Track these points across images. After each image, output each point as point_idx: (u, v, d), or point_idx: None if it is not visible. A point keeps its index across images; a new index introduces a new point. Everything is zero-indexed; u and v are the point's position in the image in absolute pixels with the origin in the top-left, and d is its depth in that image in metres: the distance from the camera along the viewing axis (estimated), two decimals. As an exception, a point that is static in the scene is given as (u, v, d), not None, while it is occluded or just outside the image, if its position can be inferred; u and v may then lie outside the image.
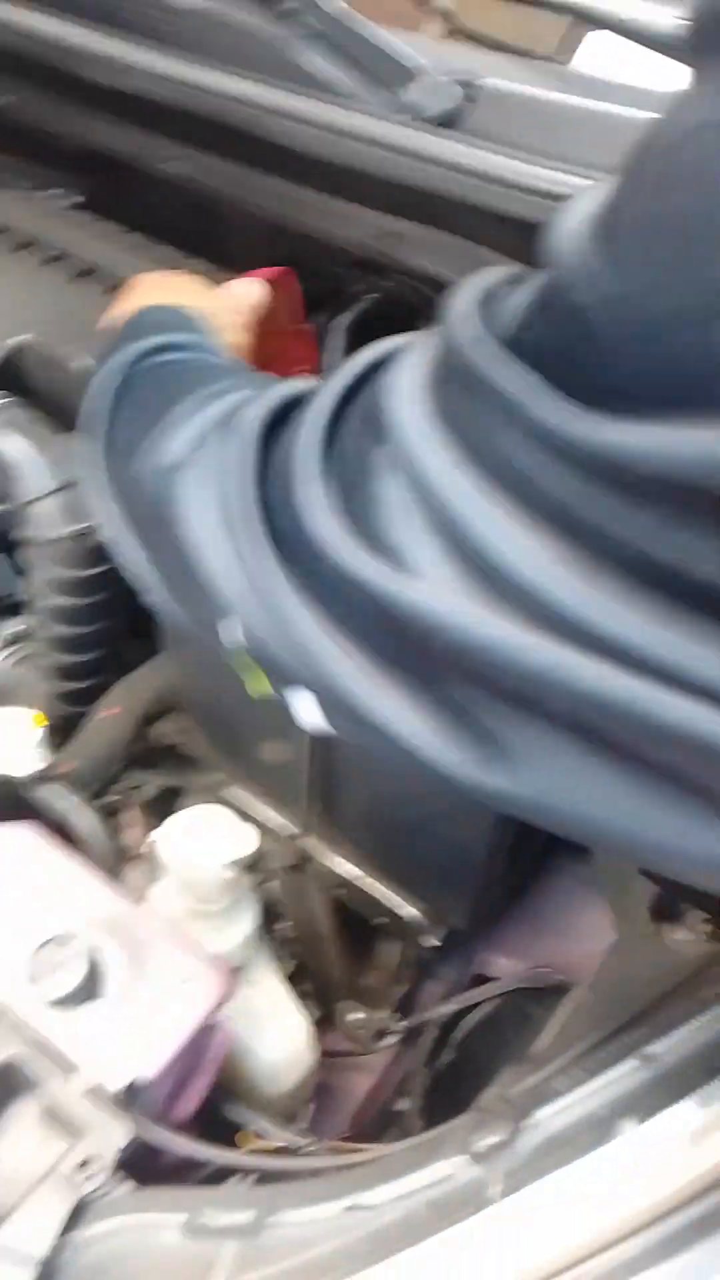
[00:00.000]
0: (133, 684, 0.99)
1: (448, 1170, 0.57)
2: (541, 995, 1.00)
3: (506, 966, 1.05)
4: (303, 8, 1.01)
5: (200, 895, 0.76)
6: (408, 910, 0.94)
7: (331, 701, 0.42)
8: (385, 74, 1.00)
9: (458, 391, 0.36)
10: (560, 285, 0.33)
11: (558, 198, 0.92)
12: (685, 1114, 0.55)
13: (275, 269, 0.89)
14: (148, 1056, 0.64)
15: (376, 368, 0.43)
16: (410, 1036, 1.01)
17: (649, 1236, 0.52)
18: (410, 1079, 1.01)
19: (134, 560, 0.55)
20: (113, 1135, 0.61)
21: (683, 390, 0.29)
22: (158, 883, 0.79)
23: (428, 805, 0.84)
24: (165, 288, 0.76)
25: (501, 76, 1.02)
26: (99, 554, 0.94)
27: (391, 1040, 1.00)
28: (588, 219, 0.33)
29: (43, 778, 0.79)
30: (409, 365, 0.40)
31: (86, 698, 1.04)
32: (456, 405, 0.36)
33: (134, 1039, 0.65)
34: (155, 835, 0.75)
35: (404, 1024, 1.00)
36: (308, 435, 0.42)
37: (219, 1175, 0.67)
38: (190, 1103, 0.69)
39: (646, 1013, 0.63)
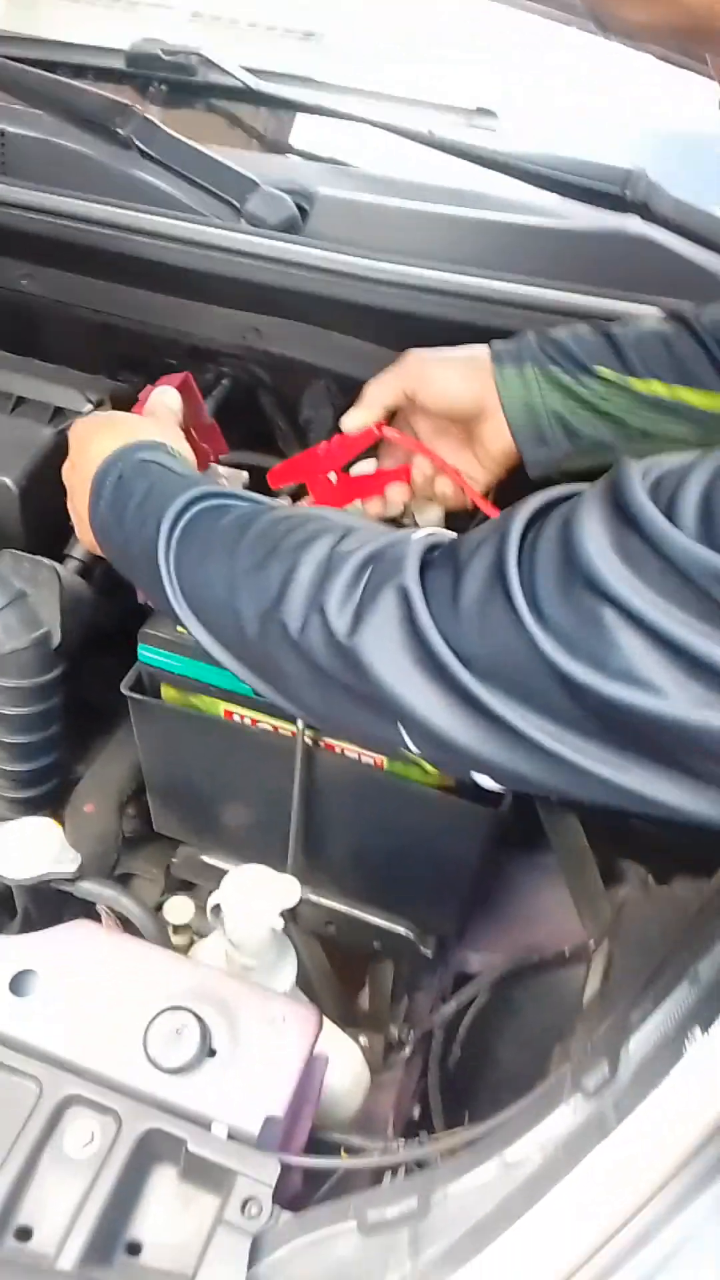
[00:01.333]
0: (98, 781, 1.03)
1: (568, 1112, 0.67)
2: (520, 979, 1.11)
3: (482, 961, 1.16)
4: (141, 134, 1.11)
5: (253, 950, 0.83)
6: (401, 929, 1.04)
7: (566, 781, 0.51)
8: (228, 190, 1.11)
9: (659, 570, 0.46)
10: None
11: (390, 285, 1.07)
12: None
13: (176, 375, 0.97)
14: (272, 1095, 0.70)
15: (534, 524, 0.52)
16: (417, 1046, 1.09)
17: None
18: (423, 1086, 1.10)
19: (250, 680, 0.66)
20: (264, 1172, 0.67)
21: None
22: (202, 946, 0.84)
23: (417, 830, 0.94)
24: (116, 426, 0.82)
25: (323, 184, 1.16)
26: (49, 660, 0.99)
27: (404, 1055, 1.08)
28: None
29: (81, 874, 0.82)
30: (596, 535, 0.47)
31: (41, 803, 1.07)
32: (666, 580, 0.46)
33: (254, 1084, 0.71)
34: (217, 901, 0.80)
35: (412, 1036, 1.08)
36: (505, 588, 0.49)
37: (343, 1185, 0.73)
38: (304, 1132, 0.75)
39: (676, 945, 0.75)
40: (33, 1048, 0.71)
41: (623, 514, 0.47)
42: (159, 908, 1.10)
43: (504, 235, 1.09)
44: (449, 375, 0.91)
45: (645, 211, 1.05)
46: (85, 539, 0.79)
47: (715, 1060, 0.66)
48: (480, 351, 0.92)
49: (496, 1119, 0.70)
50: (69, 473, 0.82)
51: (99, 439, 0.78)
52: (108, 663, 1.06)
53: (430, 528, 0.61)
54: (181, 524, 0.67)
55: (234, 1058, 0.72)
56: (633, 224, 1.06)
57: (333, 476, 0.96)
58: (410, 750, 0.56)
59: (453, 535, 0.60)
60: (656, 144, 1.35)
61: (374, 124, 1.11)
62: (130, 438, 0.77)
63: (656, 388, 0.88)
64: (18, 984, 0.73)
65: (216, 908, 0.81)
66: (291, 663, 0.60)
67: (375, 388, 0.93)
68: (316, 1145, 0.80)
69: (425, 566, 0.55)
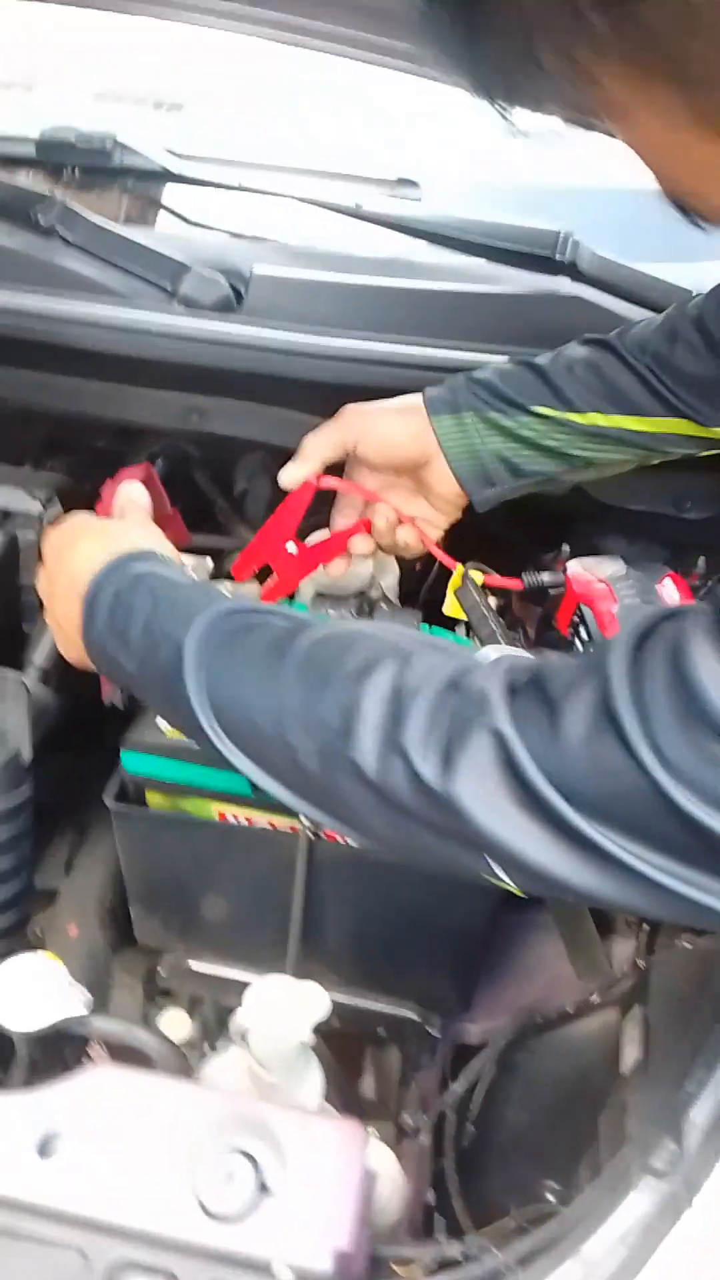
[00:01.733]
0: (77, 897, 0.98)
1: (641, 1198, 0.65)
2: (523, 1043, 1.10)
3: (480, 1030, 1.14)
4: (64, 223, 1.07)
5: (281, 1067, 0.79)
6: (405, 1013, 1.01)
7: (676, 912, 0.50)
8: (160, 274, 1.09)
9: None
10: None
11: (330, 358, 1.06)
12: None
13: (137, 467, 0.94)
14: (336, 1227, 0.67)
15: (636, 657, 0.50)
16: (431, 1131, 1.06)
17: None
18: (436, 1168, 1.07)
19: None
20: (340, 1311, 0.63)
21: None
22: (216, 1064, 0.80)
23: (423, 908, 0.92)
24: (98, 534, 0.78)
25: (254, 260, 1.15)
26: (19, 777, 0.93)
27: (420, 1142, 1.05)
28: None
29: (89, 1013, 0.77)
30: (715, 677, 0.46)
31: (12, 930, 1.01)
32: None
33: (315, 1217, 0.67)
34: (241, 1023, 0.76)
35: (425, 1119, 1.05)
36: (618, 730, 0.48)
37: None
38: (363, 1250, 0.71)
39: (716, 1002, 0.75)
40: (70, 1215, 0.65)
41: None
42: (146, 1021, 1.05)
43: (438, 302, 1.10)
44: (388, 426, 0.92)
45: (574, 271, 1.08)
46: (74, 656, 0.75)
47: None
48: (415, 400, 0.92)
49: (568, 1213, 0.68)
50: (46, 585, 0.78)
51: (81, 550, 0.74)
52: (61, 758, 1.01)
53: (497, 648, 0.59)
54: (208, 648, 0.64)
55: (288, 1192, 0.68)
56: (563, 284, 1.08)
57: (292, 548, 0.95)
58: (499, 879, 0.55)
59: (524, 655, 0.59)
60: (572, 202, 1.39)
61: (302, 200, 1.11)
62: (117, 547, 0.74)
63: (597, 420, 0.90)
64: (45, 1147, 0.67)
65: (239, 1028, 0.77)
66: (364, 800, 0.57)
67: (313, 441, 0.92)
68: (371, 1264, 0.77)
69: (511, 698, 0.53)
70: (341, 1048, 1.07)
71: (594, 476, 0.99)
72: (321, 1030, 1.05)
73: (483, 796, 0.52)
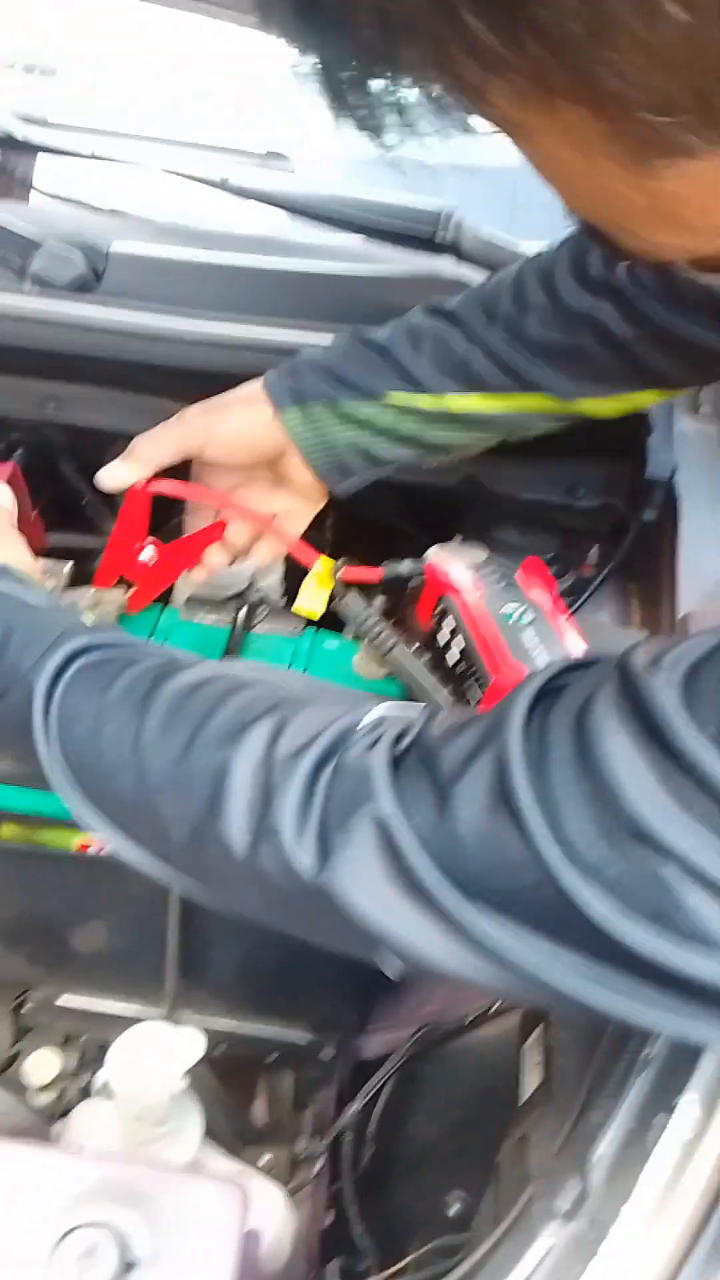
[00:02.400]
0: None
1: (549, 1242, 0.61)
2: (424, 1056, 1.06)
3: (377, 1043, 1.09)
4: None
5: (155, 1119, 0.72)
6: (298, 1035, 0.95)
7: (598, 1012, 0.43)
8: (7, 249, 1.00)
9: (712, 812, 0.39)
10: None
11: (199, 343, 0.99)
12: (690, 1101, 0.64)
13: (4, 465, 0.86)
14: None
15: (531, 730, 0.44)
16: (327, 1155, 1.01)
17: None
18: (336, 1190, 1.02)
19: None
20: None
21: None
22: (84, 1115, 0.73)
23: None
24: None
25: (114, 237, 1.07)
26: None
27: (316, 1169, 1.00)
28: None
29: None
30: (634, 770, 0.40)
31: None
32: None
33: (191, 1289, 0.61)
34: (106, 1078, 0.69)
35: (323, 1144, 1.00)
36: (519, 823, 0.42)
37: None
38: (248, 1322, 0.66)
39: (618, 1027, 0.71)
40: None
41: (658, 739, 0.40)
42: (10, 1063, 0.97)
43: (314, 284, 1.04)
44: (234, 424, 0.84)
45: (457, 252, 1.03)
46: None
47: (685, 1148, 0.63)
48: (258, 391, 0.85)
49: (470, 1263, 0.64)
50: None
51: None
52: None
53: (380, 706, 0.52)
54: (59, 691, 0.57)
55: (158, 1264, 0.62)
56: (446, 266, 1.03)
57: (150, 552, 0.88)
58: (399, 967, 0.49)
59: (410, 711, 0.52)
60: (455, 179, 1.34)
61: (165, 171, 1.03)
62: None
63: (449, 402, 0.83)
64: None
65: (105, 1085, 0.70)
66: (239, 880, 0.51)
67: (144, 443, 0.83)
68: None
69: (395, 773, 0.47)
70: (233, 1076, 1.01)
71: (455, 457, 0.93)
72: (210, 1059, 1.00)
73: (367, 888, 0.45)
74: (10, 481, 0.82)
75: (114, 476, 0.82)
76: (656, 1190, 0.61)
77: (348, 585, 0.89)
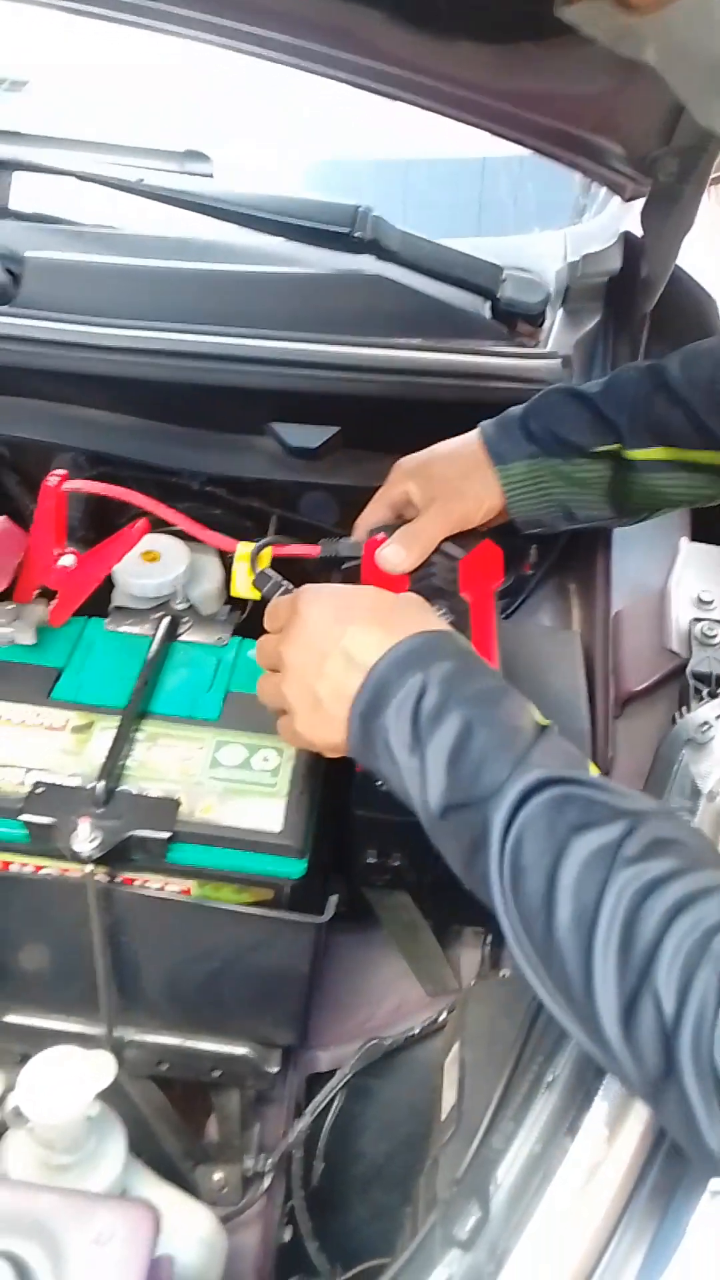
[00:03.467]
0: None
1: (447, 1271, 0.59)
2: (373, 1069, 1.04)
3: (329, 1057, 1.08)
4: None
5: (68, 1145, 0.71)
6: (240, 1051, 0.94)
7: None
8: None
9: None
10: None
11: (120, 350, 0.98)
12: (596, 1120, 0.62)
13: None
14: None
15: None
16: (277, 1172, 1.00)
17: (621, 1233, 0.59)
18: (289, 1206, 1.01)
19: None
20: None
21: None
22: (6, 1146, 0.72)
23: (239, 949, 0.85)
24: (377, 609, 0.74)
25: (30, 245, 1.05)
26: None
27: (265, 1183, 0.99)
28: None
29: None
30: None
31: None
32: None
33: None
34: (13, 1103, 0.68)
35: (270, 1161, 0.99)
36: None
37: None
38: None
39: (523, 1044, 0.70)
40: None
41: None
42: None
43: (234, 286, 1.02)
44: (439, 471, 0.89)
45: (377, 249, 1.01)
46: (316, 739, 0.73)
47: (587, 1172, 0.61)
48: (473, 444, 0.89)
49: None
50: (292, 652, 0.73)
51: (359, 619, 0.70)
52: None
53: None
54: (519, 821, 0.59)
55: (58, 1296, 0.61)
56: (367, 263, 1.01)
57: (69, 560, 0.88)
58: None
59: None
60: (373, 175, 1.32)
61: (77, 175, 1.01)
62: (403, 628, 0.69)
63: (655, 454, 0.88)
64: None
65: (15, 1109, 0.69)
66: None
67: (363, 516, 0.92)
68: None
69: None
70: (181, 1096, 1.00)
71: (650, 517, 0.96)
72: (156, 1077, 0.99)
73: None
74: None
75: (384, 560, 0.87)
76: (555, 1219, 0.59)
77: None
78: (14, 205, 1.10)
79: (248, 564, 0.88)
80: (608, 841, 0.56)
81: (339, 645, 0.69)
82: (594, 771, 0.63)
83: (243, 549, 0.89)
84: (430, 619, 0.73)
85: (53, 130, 1.05)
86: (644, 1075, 0.52)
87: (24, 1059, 1.00)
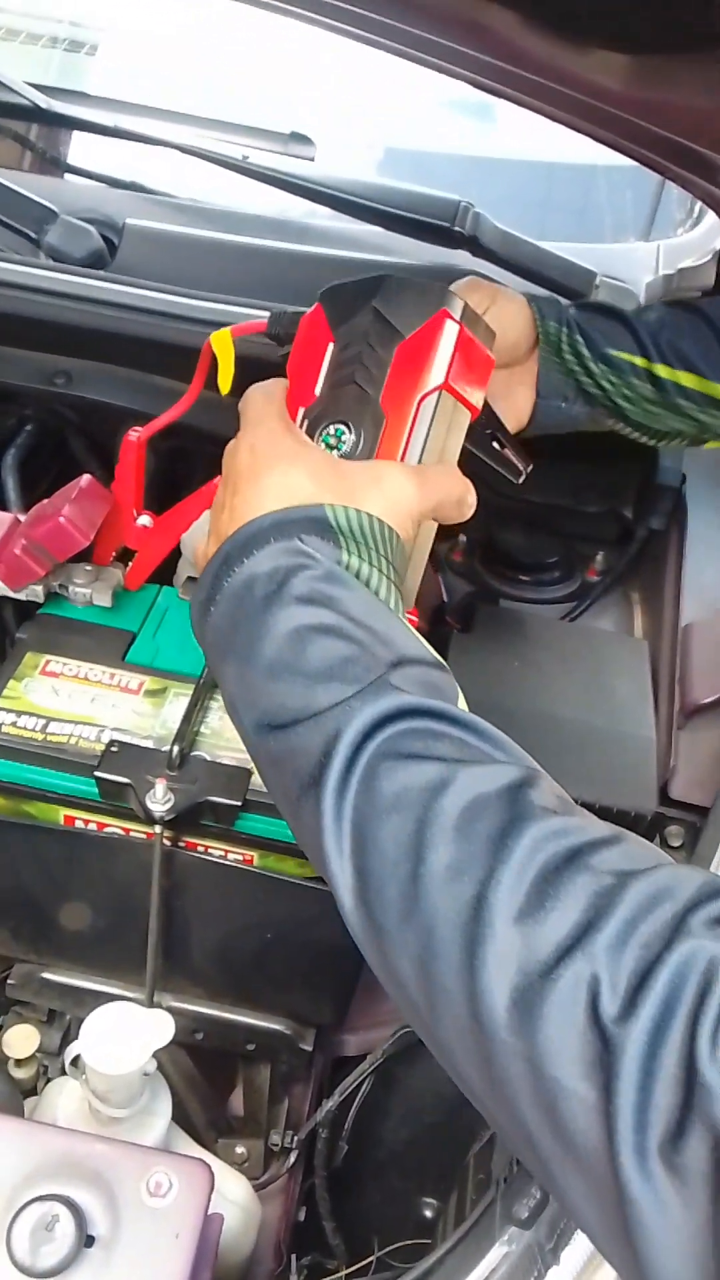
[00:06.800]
0: None
1: (504, 1249, 0.60)
2: (402, 1056, 1.05)
3: (358, 1041, 1.09)
4: None
5: (122, 1100, 0.72)
6: (275, 1027, 0.95)
7: None
8: (23, 220, 1.00)
9: None
10: None
11: (204, 323, 0.99)
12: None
13: None
14: (167, 1276, 0.61)
15: None
16: (301, 1149, 1.01)
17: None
18: (309, 1186, 1.01)
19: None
20: None
21: None
22: (57, 1091, 0.73)
23: (291, 923, 0.86)
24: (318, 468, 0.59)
25: (129, 213, 1.06)
26: None
27: (289, 1163, 0.99)
28: None
29: None
30: None
31: None
32: None
33: (144, 1270, 0.61)
34: (76, 1052, 0.69)
35: (297, 1139, 1.00)
36: None
37: None
38: (204, 1307, 0.65)
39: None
40: None
41: None
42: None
43: (327, 270, 1.03)
44: (508, 306, 0.79)
45: (474, 245, 1.02)
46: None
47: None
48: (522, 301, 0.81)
49: (421, 1268, 0.63)
50: (248, 454, 0.61)
51: (294, 463, 0.59)
52: None
53: None
54: (374, 745, 0.48)
55: (116, 1242, 0.62)
56: (463, 259, 1.02)
57: (146, 521, 0.88)
58: None
59: None
60: (474, 172, 1.33)
61: (183, 149, 1.02)
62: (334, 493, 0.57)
63: (684, 379, 0.83)
64: None
65: (76, 1059, 0.70)
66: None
67: None
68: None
69: None
70: (211, 1066, 1.01)
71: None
72: (188, 1046, 0.99)
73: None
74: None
75: None
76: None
77: None
78: (113, 173, 1.11)
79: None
80: (510, 782, 0.46)
81: (250, 484, 0.59)
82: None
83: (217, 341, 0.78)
84: (371, 499, 0.58)
85: (161, 104, 1.06)
86: (536, 1065, 0.40)
87: (52, 1016, 1.01)
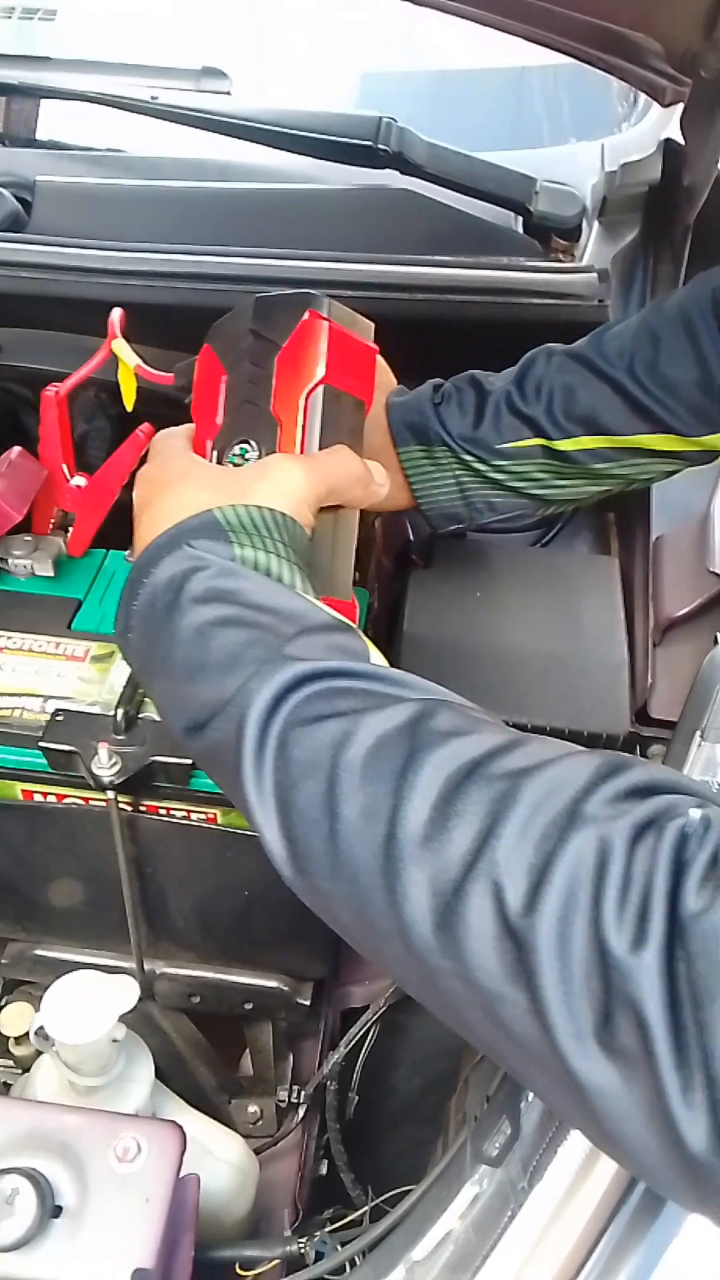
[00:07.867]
0: None
1: (474, 1189, 0.58)
2: (406, 1003, 1.03)
3: (364, 992, 1.07)
4: None
5: (95, 1069, 0.71)
6: (272, 984, 0.93)
7: None
8: (-68, 190, 0.97)
9: None
10: None
11: (132, 275, 0.95)
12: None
13: None
14: (137, 1244, 0.60)
15: None
16: (312, 1103, 1.00)
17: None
18: (326, 1140, 1.01)
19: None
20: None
21: None
22: (41, 1068, 0.72)
23: (269, 877, 0.84)
24: (215, 478, 0.62)
25: (40, 171, 1.03)
26: None
27: (299, 1115, 0.99)
28: None
29: None
30: None
31: None
32: None
33: (114, 1237, 0.60)
34: (41, 1023, 0.68)
35: (304, 1094, 0.99)
36: None
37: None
38: (187, 1263, 0.64)
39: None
40: None
41: None
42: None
43: (253, 205, 0.99)
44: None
45: (402, 162, 0.97)
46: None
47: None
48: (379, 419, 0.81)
49: (396, 1213, 0.62)
50: (145, 486, 0.64)
51: (185, 480, 0.61)
52: None
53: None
54: (280, 718, 0.49)
55: (84, 1211, 0.61)
56: (392, 178, 0.98)
57: (79, 481, 0.86)
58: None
59: None
60: (399, 87, 1.27)
61: (83, 98, 0.98)
62: (230, 496, 0.58)
63: (572, 445, 0.80)
64: None
65: (41, 1031, 0.69)
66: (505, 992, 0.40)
67: None
68: (205, 1268, 0.70)
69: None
70: (214, 1027, 1.00)
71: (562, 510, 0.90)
72: (188, 1010, 0.99)
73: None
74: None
75: None
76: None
77: None
78: (36, 135, 1.07)
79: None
80: (409, 717, 0.47)
81: (163, 494, 0.61)
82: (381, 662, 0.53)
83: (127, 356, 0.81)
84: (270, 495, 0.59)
85: (59, 52, 1.02)
86: (470, 980, 0.41)
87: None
